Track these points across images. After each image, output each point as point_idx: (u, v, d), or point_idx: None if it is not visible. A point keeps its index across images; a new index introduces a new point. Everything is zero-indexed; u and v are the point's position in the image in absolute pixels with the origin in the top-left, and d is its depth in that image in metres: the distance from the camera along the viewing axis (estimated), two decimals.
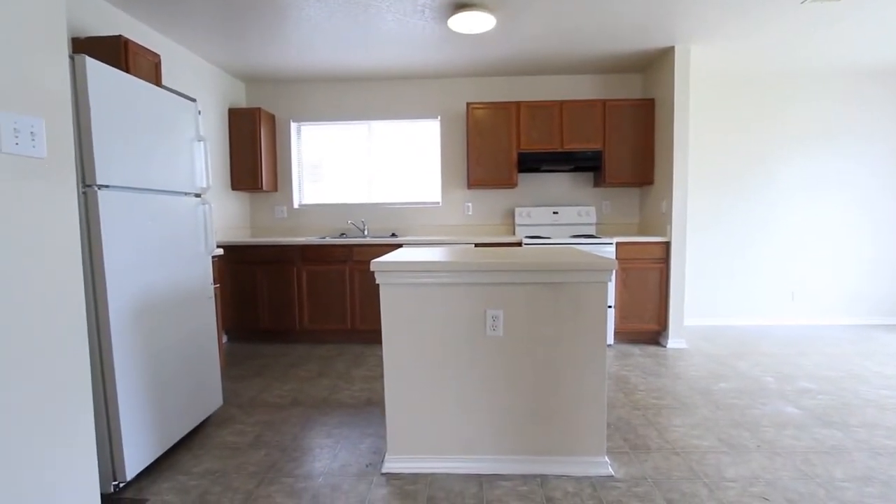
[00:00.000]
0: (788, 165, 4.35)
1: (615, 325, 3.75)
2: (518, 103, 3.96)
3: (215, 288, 2.79)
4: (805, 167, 4.35)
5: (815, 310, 4.45)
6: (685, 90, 3.59)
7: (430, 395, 1.86)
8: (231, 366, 3.34)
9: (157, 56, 2.75)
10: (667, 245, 3.70)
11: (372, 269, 1.80)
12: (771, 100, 4.31)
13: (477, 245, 3.77)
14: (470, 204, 4.36)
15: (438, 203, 4.40)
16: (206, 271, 2.34)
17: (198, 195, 2.32)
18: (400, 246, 3.79)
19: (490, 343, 1.84)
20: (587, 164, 3.92)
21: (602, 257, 1.85)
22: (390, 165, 4.44)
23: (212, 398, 2.34)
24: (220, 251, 2.96)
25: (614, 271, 3.67)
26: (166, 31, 3.23)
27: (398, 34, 3.33)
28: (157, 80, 2.75)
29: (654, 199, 3.95)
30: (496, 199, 4.35)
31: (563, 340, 1.83)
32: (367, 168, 4.45)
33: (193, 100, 2.30)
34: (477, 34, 3.31)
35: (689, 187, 4.36)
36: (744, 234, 4.41)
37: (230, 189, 4.14)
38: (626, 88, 4.25)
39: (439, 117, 4.34)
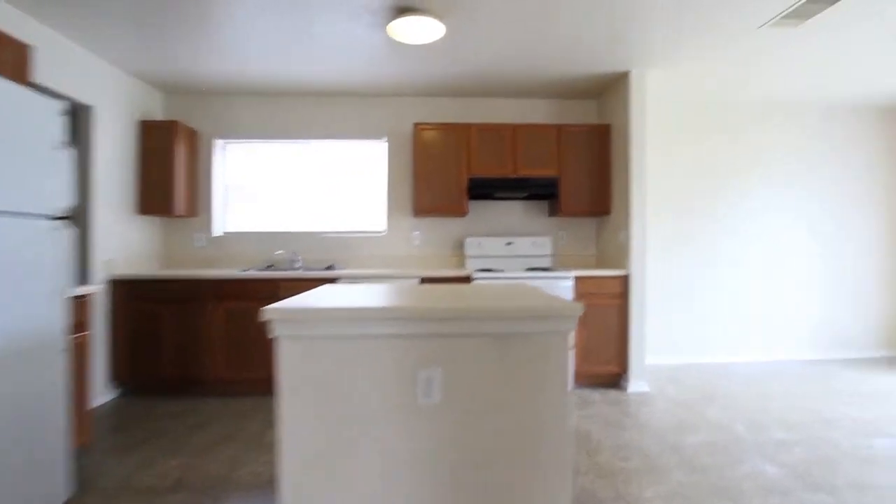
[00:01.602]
0: (746, 196, 4.30)
1: (574, 367, 3.42)
2: (469, 125, 3.68)
3: (81, 336, 2.20)
4: (762, 197, 4.31)
5: (775, 344, 4.33)
6: (641, 116, 3.43)
7: (342, 485, 1.40)
8: (113, 430, 2.69)
9: (25, 48, 2.23)
10: (626, 279, 3.45)
11: (266, 317, 1.34)
12: (729, 127, 4.28)
13: (423, 280, 3.37)
14: (417, 233, 3.98)
15: (383, 232, 3.99)
16: (57, 316, 1.78)
17: (58, 218, 1.79)
18: (335, 280, 3.32)
19: (423, 413, 1.41)
20: (542, 192, 3.66)
21: (565, 301, 1.49)
22: (330, 190, 4.01)
23: (53, 487, 1.75)
24: (93, 288, 2.38)
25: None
26: (57, 25, 2.71)
27: (336, 43, 2.98)
28: (22, 77, 2.22)
29: (612, 229, 3.73)
30: (445, 227, 4.00)
31: (516, 407, 1.43)
32: (302, 192, 3.99)
33: (70, 100, 1.81)
34: (424, 45, 3.01)
35: (647, 217, 4.20)
36: (703, 266, 4.28)
37: (136, 213, 3.55)
38: (582, 114, 4.09)
39: (386, 138, 3.98)
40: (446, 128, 3.68)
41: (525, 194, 3.70)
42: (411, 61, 3.25)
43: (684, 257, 4.26)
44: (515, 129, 3.69)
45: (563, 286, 3.34)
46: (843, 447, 2.47)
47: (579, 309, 1.42)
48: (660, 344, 4.26)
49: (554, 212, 3.84)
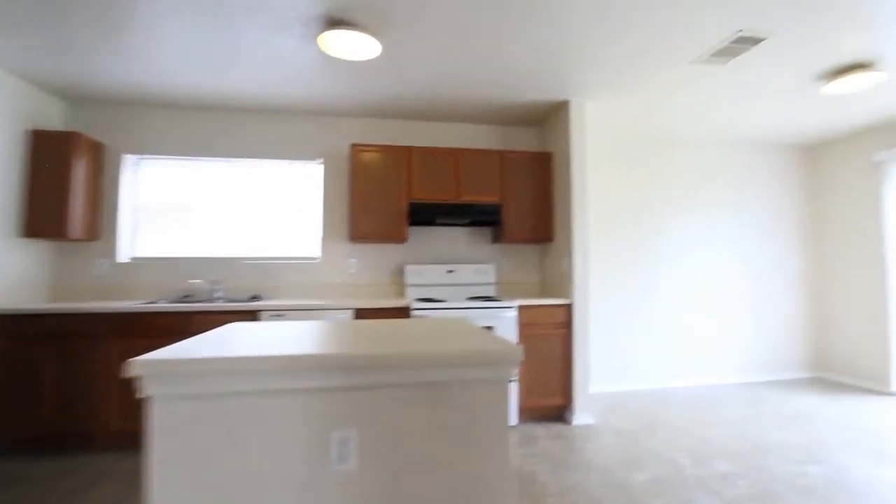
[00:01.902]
0: (681, 226, 4.44)
1: (518, 401, 3.26)
2: (410, 148, 3.54)
3: None
4: (696, 227, 4.47)
5: (709, 369, 4.43)
6: (581, 145, 3.45)
7: None
8: None
9: None
10: (569, 308, 3.38)
11: (135, 372, 1.06)
12: (665, 158, 4.43)
13: (358, 312, 3.11)
14: (354, 260, 3.73)
15: (317, 259, 3.70)
16: None
17: None
18: (256, 313, 2.99)
19: (338, 481, 1.17)
20: (485, 219, 3.56)
21: (505, 343, 1.33)
22: (259, 213, 3.69)
23: None
24: None
25: (516, 339, 3.24)
26: None
27: (266, 55, 2.75)
28: None
29: (555, 256, 3.69)
30: (384, 254, 3.78)
31: (450, 468, 1.23)
32: (227, 215, 3.64)
33: None
34: (360, 62, 2.85)
35: (589, 245, 4.22)
36: (642, 294, 4.33)
37: (20, 235, 3.05)
38: (525, 142, 4.08)
39: (321, 160, 3.75)
40: (386, 150, 3.51)
41: (468, 220, 3.58)
42: (347, 79, 3.08)
43: (625, 285, 4.30)
44: (458, 153, 3.59)
45: (506, 316, 3.21)
46: (781, 477, 2.45)
47: (520, 353, 1.26)
48: (602, 372, 4.22)
49: (497, 239, 3.74)
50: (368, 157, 3.49)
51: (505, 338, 1.33)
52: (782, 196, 4.70)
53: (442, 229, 3.88)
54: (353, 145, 3.47)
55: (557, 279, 3.62)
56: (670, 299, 4.39)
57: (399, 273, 3.78)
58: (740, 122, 3.98)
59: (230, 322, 2.94)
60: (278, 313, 2.99)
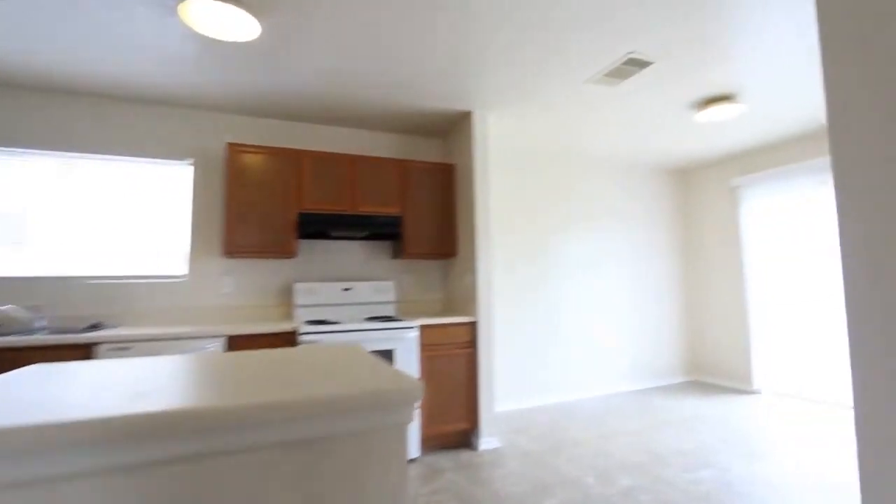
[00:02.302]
0: (576, 242, 4.59)
1: (421, 430, 2.99)
2: (300, 152, 3.15)
3: None
4: (589, 244, 4.65)
5: (604, 379, 4.58)
6: (484, 157, 3.36)
7: None
8: None
9: None
10: (473, 326, 3.23)
11: None
12: (563, 175, 4.55)
13: (232, 340, 2.62)
14: (230, 278, 3.20)
15: (183, 277, 3.10)
16: None
17: None
18: (90, 347, 2.35)
19: None
20: (385, 232, 3.29)
21: (402, 378, 1.06)
22: (110, 222, 3.00)
23: None
24: None
25: (418, 361, 2.98)
26: None
27: (124, 32, 2.21)
28: None
29: (459, 272, 3.53)
30: (269, 271, 3.31)
31: None
32: (66, 223, 2.91)
33: None
34: (236, 43, 2.44)
35: (493, 260, 4.15)
36: (542, 309, 4.36)
37: None
38: (428, 153, 3.91)
39: (191, 160, 3.19)
40: (271, 153, 3.09)
41: (365, 234, 3.28)
42: (222, 64, 2.64)
43: (525, 301, 4.29)
44: (355, 160, 3.29)
45: (407, 337, 2.94)
46: (678, 485, 2.49)
47: (420, 390, 1.00)
48: (506, 389, 4.14)
49: (398, 253, 3.48)
50: (250, 159, 3.04)
51: (402, 371, 1.04)
52: (661, 216, 5.13)
53: (337, 243, 3.52)
54: (231, 145, 3.00)
55: (462, 296, 3.46)
56: (567, 314, 4.48)
57: (287, 292, 3.33)
58: (627, 146, 4.24)
59: (47, 360, 2.26)
60: (123, 346, 2.39)
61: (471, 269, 3.30)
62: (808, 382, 4.08)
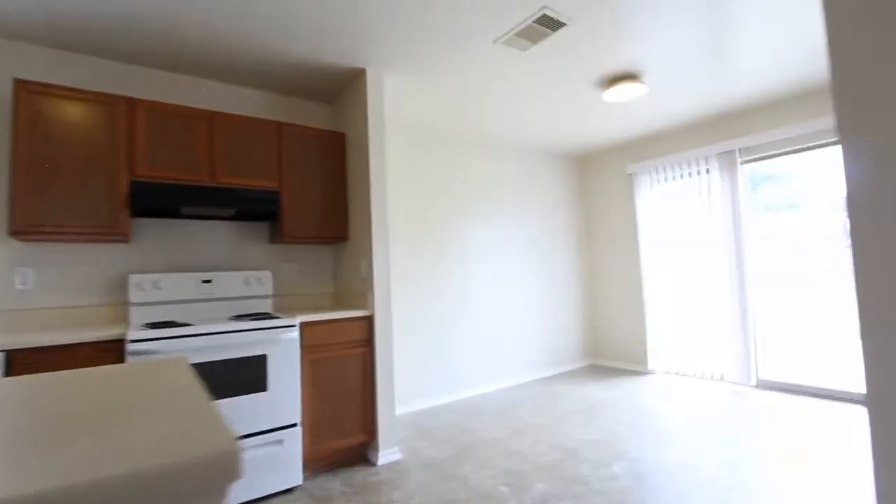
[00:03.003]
0: (478, 227, 4.30)
1: (303, 451, 2.44)
2: (134, 101, 2.38)
3: None
4: (492, 229, 4.40)
5: (509, 370, 4.40)
6: (380, 126, 2.88)
7: None
8: None
9: None
10: (369, 321, 2.75)
11: None
12: (465, 158, 4.22)
13: (14, 359, 1.83)
14: (30, 270, 2.33)
15: None
16: None
17: None
18: None
19: None
20: (258, 210, 2.65)
21: (213, 433, 0.56)
22: None
23: None
24: None
25: (299, 367, 2.42)
26: None
27: None
28: None
29: (351, 259, 3.01)
30: (91, 259, 2.48)
31: None
32: None
33: None
34: None
35: (391, 246, 3.69)
36: (440, 300, 4.01)
37: None
38: (313, 119, 3.30)
39: None
40: (88, 98, 2.28)
41: (232, 212, 2.61)
42: None
43: (423, 291, 3.91)
44: (215, 118, 2.60)
45: (284, 339, 2.37)
46: (595, 485, 2.28)
47: (236, 455, 0.51)
48: (408, 389, 3.73)
49: (276, 237, 2.86)
50: (53, 104, 2.20)
51: (220, 421, 0.53)
52: (563, 202, 5.09)
53: (195, 224, 2.79)
54: (20, 83, 2.14)
55: (355, 288, 2.95)
56: (471, 304, 4.21)
57: (120, 287, 2.53)
58: (532, 128, 4.04)
59: None
60: None
61: (365, 255, 2.81)
62: (693, 361, 4.29)
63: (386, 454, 2.70)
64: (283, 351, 2.34)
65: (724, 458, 2.55)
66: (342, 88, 3.14)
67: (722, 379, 4.09)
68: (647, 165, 4.57)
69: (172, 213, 2.53)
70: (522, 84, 3.18)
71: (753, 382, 3.86)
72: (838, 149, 3.17)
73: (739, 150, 3.94)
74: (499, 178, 4.52)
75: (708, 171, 4.15)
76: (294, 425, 2.37)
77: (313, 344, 2.52)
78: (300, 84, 3.04)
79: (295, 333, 2.39)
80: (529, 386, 4.33)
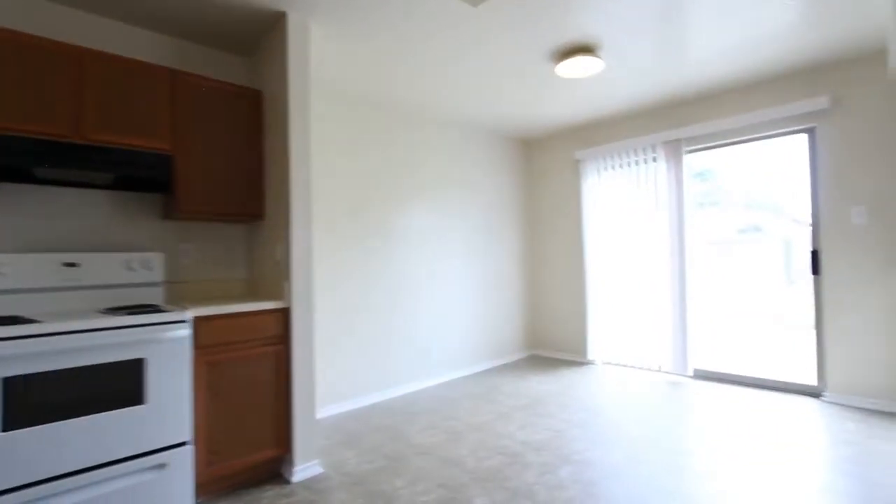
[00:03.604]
0: (421, 210, 3.95)
1: (196, 474, 2.00)
2: None
3: None
4: (428, 213, 4.06)
5: (445, 364, 4.12)
6: (304, 84, 2.43)
7: None
8: None
9: None
10: (286, 314, 2.33)
11: None
12: (401, 135, 3.83)
13: None
14: None
15: None
16: None
17: None
18: None
19: None
20: (146, 177, 2.13)
21: None
22: None
23: None
24: None
25: (190, 372, 1.96)
26: None
27: None
28: None
29: (267, 242, 2.55)
30: None
31: None
32: None
33: None
34: None
35: (315, 227, 3.24)
36: (370, 289, 3.64)
37: None
38: (224, 73, 2.76)
39: None
40: None
41: (110, 178, 2.07)
42: None
43: (350, 279, 3.52)
44: (85, 56, 2.03)
45: (171, 338, 1.90)
46: (541, 497, 2.05)
47: None
48: (333, 389, 3.34)
49: (171, 212, 2.33)
50: None
51: None
52: (507, 188, 4.85)
53: (58, 192, 2.20)
54: None
55: (271, 274, 2.51)
56: (407, 294, 3.87)
57: None
58: (476, 103, 3.72)
59: None
60: None
61: (283, 237, 2.37)
62: (632, 352, 4.25)
63: (303, 469, 2.31)
64: (167, 353, 1.87)
65: (668, 458, 2.42)
66: (260, 37, 2.64)
67: (659, 369, 4.07)
68: (595, 152, 4.42)
69: (23, 176, 1.95)
70: (469, 50, 2.84)
71: (690, 373, 3.86)
72: (779, 140, 3.10)
73: (685, 139, 3.88)
74: (441, 158, 4.18)
75: (654, 159, 4.07)
76: (183, 444, 1.92)
77: (212, 343, 2.07)
78: (208, 28, 2.49)
79: (184, 331, 1.92)
80: (469, 380, 4.08)
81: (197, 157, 2.33)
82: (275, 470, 2.36)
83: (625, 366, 4.32)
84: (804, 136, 3.38)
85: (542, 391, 3.67)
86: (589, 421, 2.98)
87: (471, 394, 3.67)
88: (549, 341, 4.92)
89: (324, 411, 3.24)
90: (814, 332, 3.33)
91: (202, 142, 2.35)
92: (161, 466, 1.85)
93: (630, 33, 2.68)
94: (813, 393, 3.31)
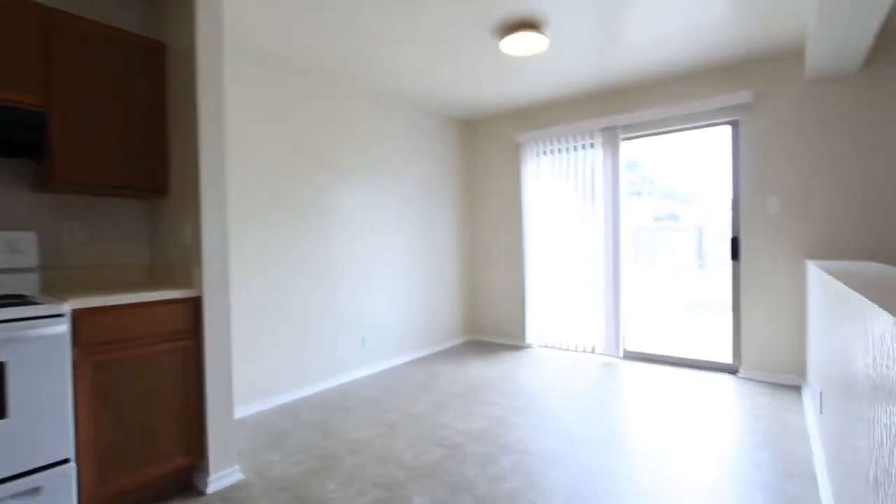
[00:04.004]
0: (353, 190, 3.68)
1: (82, 495, 1.69)
2: None
3: None
4: (368, 195, 3.81)
5: (382, 353, 3.95)
6: (215, 36, 2.09)
7: None
8: None
9: None
10: (195, 304, 2.03)
11: None
12: (334, 109, 3.52)
13: None
14: None
15: None
16: None
17: None
18: None
19: None
20: (8, 138, 1.72)
21: None
22: None
23: None
24: None
25: (70, 377, 1.63)
26: None
27: None
28: None
29: (173, 221, 2.21)
30: None
31: None
32: None
33: None
34: None
35: (230, 204, 2.89)
36: (296, 275, 3.36)
37: None
38: (120, 21, 2.32)
39: None
40: None
41: None
42: None
43: (276, 262, 3.22)
44: None
45: (39, 336, 1.55)
46: (482, 491, 1.96)
47: None
48: (255, 385, 3.05)
49: (45, 182, 1.92)
50: None
51: None
52: (446, 170, 4.70)
53: None
54: None
55: (180, 259, 2.17)
56: (339, 279, 3.62)
57: None
58: (414, 75, 3.51)
59: None
60: None
61: (192, 216, 2.05)
62: (567, 335, 4.33)
63: (220, 477, 2.05)
64: (36, 354, 1.53)
65: (604, 440, 2.45)
66: None
67: (593, 351, 4.18)
68: (535, 136, 4.38)
69: None
70: (405, 17, 2.61)
71: (621, 354, 4.00)
72: (706, 132, 3.20)
73: (621, 126, 3.93)
74: (374, 134, 3.93)
75: (592, 145, 4.10)
76: (63, 462, 1.59)
77: (100, 340, 1.73)
78: None
79: (60, 327, 1.58)
80: (407, 368, 3.94)
81: (79, 117, 1.93)
82: (187, 481, 2.08)
83: (561, 349, 4.40)
84: (728, 129, 3.53)
85: (480, 377, 3.61)
86: (528, 407, 2.96)
87: (408, 382, 3.53)
88: (487, 326, 4.90)
89: (247, 409, 2.94)
90: (731, 313, 3.54)
91: (86, 98, 1.95)
92: (34, 491, 1.52)
93: (576, 9, 2.60)
94: (730, 370, 3.54)
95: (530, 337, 4.53)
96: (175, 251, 2.19)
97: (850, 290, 1.32)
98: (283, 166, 3.19)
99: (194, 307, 2.01)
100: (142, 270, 2.36)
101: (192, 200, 2.05)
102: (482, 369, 3.83)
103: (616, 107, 3.97)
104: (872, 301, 1.06)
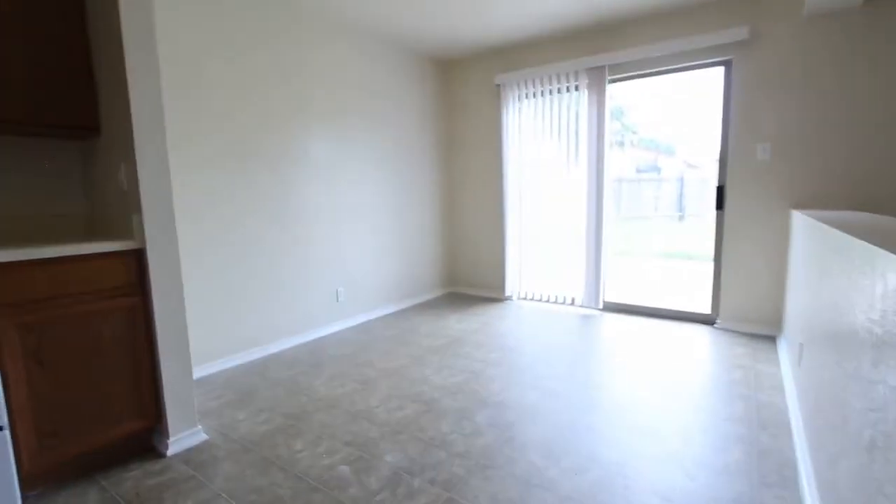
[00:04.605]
0: (321, 134, 3.40)
1: (23, 463, 1.55)
2: None
3: None
4: (337, 140, 3.53)
5: (360, 305, 3.83)
6: None
7: None
8: None
9: None
10: (138, 256, 1.82)
11: None
12: (296, 37, 3.16)
13: None
14: None
15: None
16: None
17: None
18: None
19: None
20: None
21: None
22: None
23: None
24: None
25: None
26: None
27: None
28: None
29: (108, 164, 1.95)
30: None
31: None
32: None
33: None
34: None
35: (171, 145, 2.60)
36: (264, 225, 3.15)
37: None
38: None
39: None
40: None
41: None
42: None
43: (244, 212, 3.00)
44: None
45: None
46: (457, 448, 1.91)
47: None
48: (222, 341, 2.91)
49: None
50: None
51: None
52: (421, 113, 4.40)
53: None
54: None
55: (118, 207, 1.94)
56: (309, 230, 3.42)
57: None
58: (386, 15, 3.16)
59: None
60: None
61: (127, 157, 1.80)
62: (547, 287, 4.27)
63: (180, 439, 1.94)
64: None
65: (581, 393, 2.41)
66: None
67: (573, 303, 4.14)
68: (517, 76, 4.09)
69: None
70: None
71: (600, 306, 3.97)
72: (696, 74, 2.98)
73: (608, 66, 3.68)
74: (344, 72, 3.59)
75: (577, 87, 3.85)
76: (1, 428, 1.44)
77: (25, 300, 1.54)
78: None
79: None
80: (384, 321, 3.85)
81: None
82: (146, 444, 1.96)
83: (541, 300, 4.35)
84: (721, 70, 3.32)
85: (459, 330, 3.55)
86: (506, 359, 2.91)
87: (385, 336, 3.44)
88: (467, 278, 4.80)
89: (213, 366, 2.82)
90: (711, 264, 3.50)
91: None
92: None
93: None
94: (707, 321, 3.54)
95: (510, 289, 4.46)
96: (114, 199, 1.95)
97: (855, 239, 1.20)
98: (238, 103, 2.88)
99: (137, 260, 1.81)
100: (77, 221, 2.13)
101: (126, 139, 1.79)
102: (461, 322, 3.77)
103: (603, 45, 3.69)
104: (889, 250, 0.94)
